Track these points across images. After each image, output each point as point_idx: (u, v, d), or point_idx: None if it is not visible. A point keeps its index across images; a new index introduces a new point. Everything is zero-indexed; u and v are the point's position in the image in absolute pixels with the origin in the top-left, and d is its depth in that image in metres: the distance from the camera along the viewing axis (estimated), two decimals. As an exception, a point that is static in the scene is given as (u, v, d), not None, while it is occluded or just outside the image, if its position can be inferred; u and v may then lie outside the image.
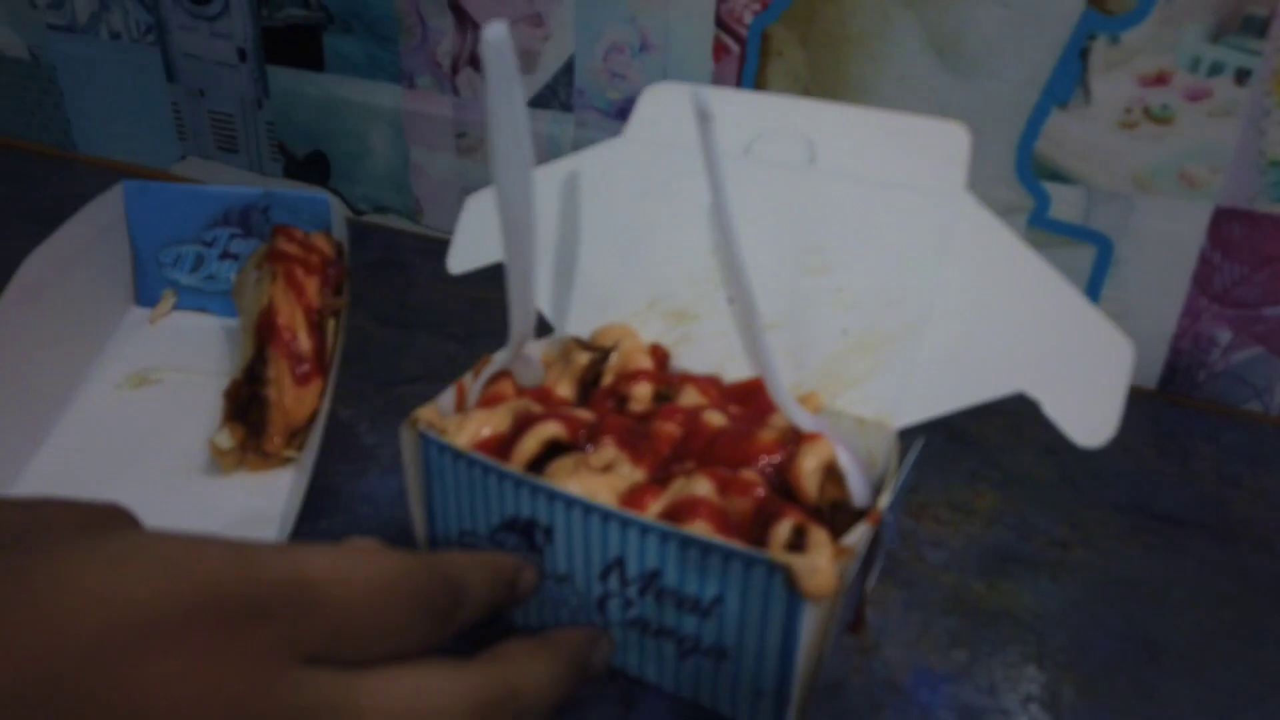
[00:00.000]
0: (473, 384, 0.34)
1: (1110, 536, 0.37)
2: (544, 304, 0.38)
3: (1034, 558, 0.36)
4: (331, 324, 0.42)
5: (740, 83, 0.51)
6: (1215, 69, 0.41)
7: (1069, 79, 0.44)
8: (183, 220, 0.50)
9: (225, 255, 0.50)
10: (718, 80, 0.51)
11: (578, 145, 0.56)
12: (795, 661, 0.26)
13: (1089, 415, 0.28)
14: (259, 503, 0.37)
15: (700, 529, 0.26)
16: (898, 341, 0.32)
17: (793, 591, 0.25)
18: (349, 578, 0.20)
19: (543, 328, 0.37)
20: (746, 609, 0.26)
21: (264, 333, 0.39)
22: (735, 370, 0.35)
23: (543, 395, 0.33)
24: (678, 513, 0.27)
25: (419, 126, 0.61)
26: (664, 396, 0.33)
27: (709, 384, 0.33)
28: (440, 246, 0.39)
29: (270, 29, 0.63)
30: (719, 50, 0.51)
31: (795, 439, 0.29)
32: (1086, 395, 0.29)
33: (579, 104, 0.55)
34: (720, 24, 0.50)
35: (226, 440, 0.38)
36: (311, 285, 0.42)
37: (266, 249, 0.44)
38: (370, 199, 0.65)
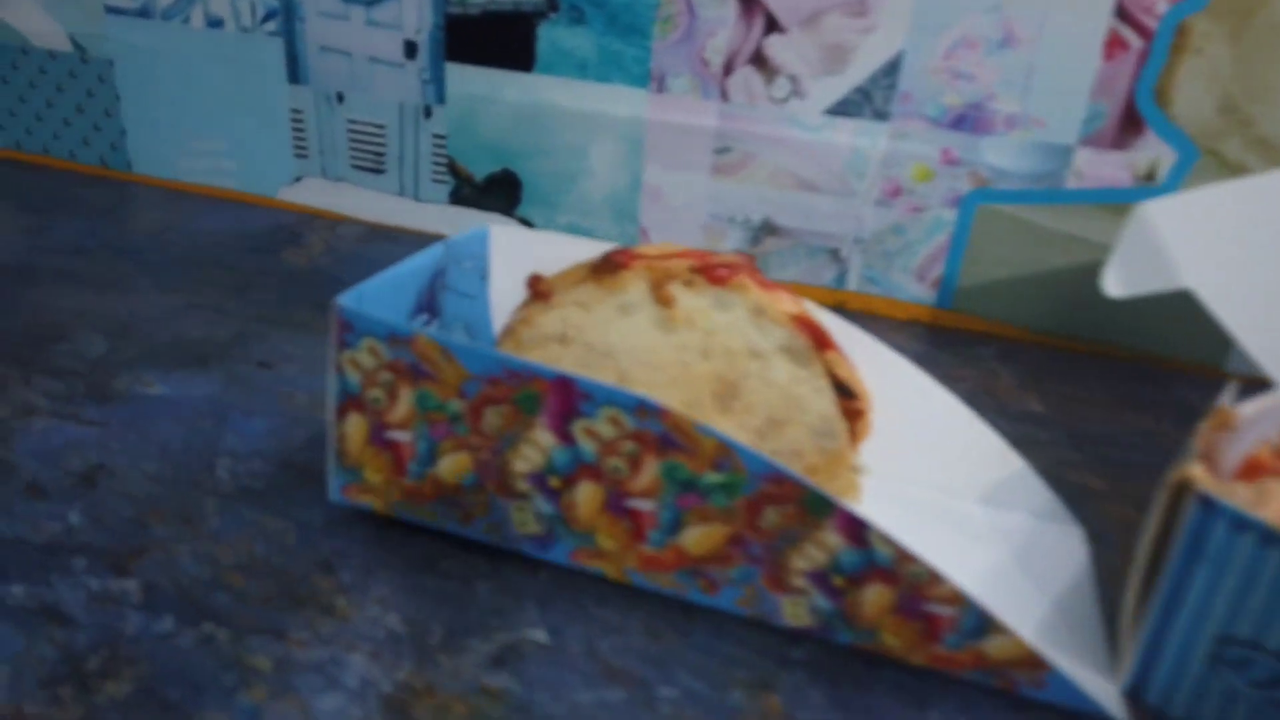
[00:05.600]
0: (1218, 440, 0.24)
1: None
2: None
3: None
4: None
5: (1134, 85, 0.42)
6: None
7: None
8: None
9: None
10: (1103, 81, 0.42)
11: (887, 163, 0.46)
12: None
13: None
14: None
15: None
16: None
17: None
18: None
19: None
20: None
21: (816, 340, 0.31)
22: None
23: None
24: None
25: (664, 140, 0.49)
26: None
27: None
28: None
29: (459, 17, 0.49)
30: (1112, 45, 0.42)
31: None
32: None
33: (900, 112, 0.45)
34: (1120, 13, 0.41)
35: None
36: (768, 284, 0.33)
37: (653, 293, 0.31)
38: (576, 229, 0.52)
